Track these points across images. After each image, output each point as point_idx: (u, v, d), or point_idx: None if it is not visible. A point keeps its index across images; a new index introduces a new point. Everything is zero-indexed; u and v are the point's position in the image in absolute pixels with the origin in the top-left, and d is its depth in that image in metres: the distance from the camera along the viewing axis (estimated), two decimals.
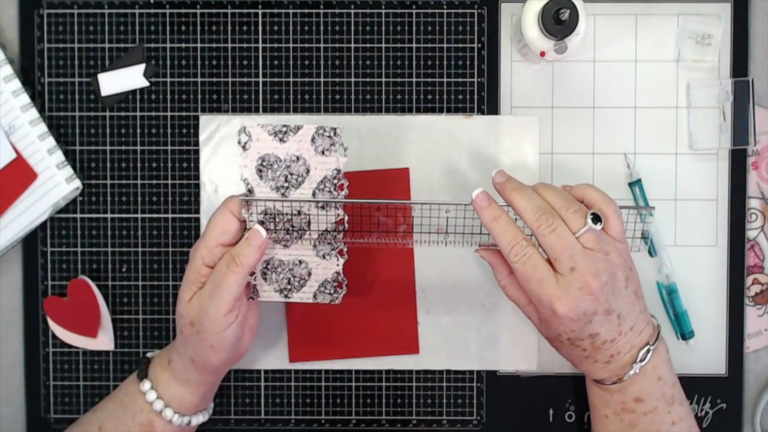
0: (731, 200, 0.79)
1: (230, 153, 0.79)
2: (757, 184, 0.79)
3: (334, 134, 0.67)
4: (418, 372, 0.80)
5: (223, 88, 0.79)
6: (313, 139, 0.67)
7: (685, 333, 0.79)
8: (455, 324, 0.79)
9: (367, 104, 0.79)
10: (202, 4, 0.79)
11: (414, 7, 0.79)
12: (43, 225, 0.79)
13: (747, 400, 0.80)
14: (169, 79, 0.79)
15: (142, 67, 0.79)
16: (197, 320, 0.66)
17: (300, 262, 0.69)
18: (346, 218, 0.69)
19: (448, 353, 0.79)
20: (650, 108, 0.79)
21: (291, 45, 0.79)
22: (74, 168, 0.79)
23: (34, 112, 0.78)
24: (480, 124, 0.78)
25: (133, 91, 0.79)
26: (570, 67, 0.79)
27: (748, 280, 0.80)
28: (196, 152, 0.79)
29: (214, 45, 0.79)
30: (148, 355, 0.74)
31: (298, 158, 0.67)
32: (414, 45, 0.79)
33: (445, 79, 0.79)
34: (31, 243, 0.79)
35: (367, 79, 0.79)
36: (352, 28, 0.79)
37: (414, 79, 0.79)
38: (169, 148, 0.79)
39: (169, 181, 0.79)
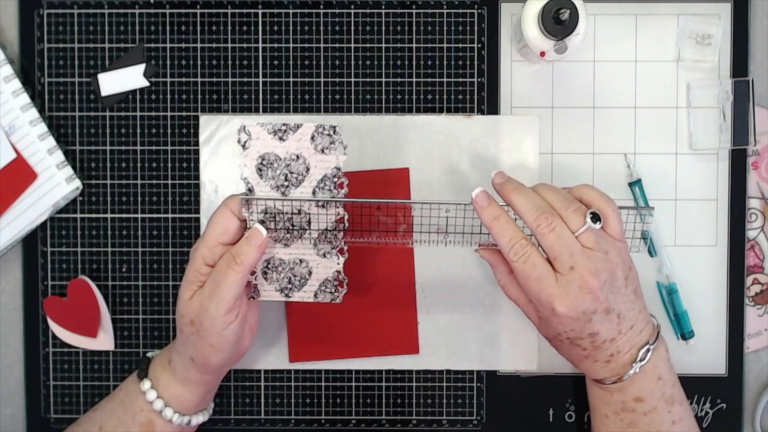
0: (731, 200, 0.79)
1: (230, 153, 0.79)
2: (757, 184, 0.79)
3: (334, 132, 0.67)
4: (418, 372, 0.80)
5: (223, 88, 0.79)
6: (312, 138, 0.67)
7: (685, 333, 0.79)
8: (455, 324, 0.79)
9: (367, 104, 0.79)
10: (202, 4, 0.79)
11: (414, 7, 0.79)
12: (43, 225, 0.79)
13: (747, 400, 0.80)
14: (169, 79, 0.79)
15: (142, 67, 0.79)
16: (197, 319, 0.66)
17: (300, 261, 0.69)
18: (347, 216, 0.69)
19: (448, 353, 0.79)
20: (650, 108, 0.79)
21: (291, 45, 0.79)
22: (74, 168, 0.79)
23: (34, 112, 0.78)
24: (480, 124, 0.78)
25: (133, 91, 0.79)
26: (570, 67, 0.79)
27: (748, 280, 0.80)
28: (196, 152, 0.79)
29: (214, 45, 0.79)
30: (149, 354, 0.74)
31: (297, 157, 0.67)
32: (414, 45, 0.79)
33: (445, 79, 0.79)
34: (31, 243, 0.79)
35: (367, 79, 0.79)
36: (352, 28, 0.79)
37: (414, 79, 0.79)
38: (169, 148, 0.79)
39: (169, 181, 0.79)
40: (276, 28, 0.79)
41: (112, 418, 0.71)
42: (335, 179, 0.68)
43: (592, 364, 0.68)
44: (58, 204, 0.78)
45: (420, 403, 0.80)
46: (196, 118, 0.79)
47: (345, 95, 0.79)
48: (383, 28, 0.79)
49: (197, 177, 0.79)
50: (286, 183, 0.68)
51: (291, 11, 0.79)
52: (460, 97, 0.79)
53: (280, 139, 0.67)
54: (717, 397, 0.79)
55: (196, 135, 0.79)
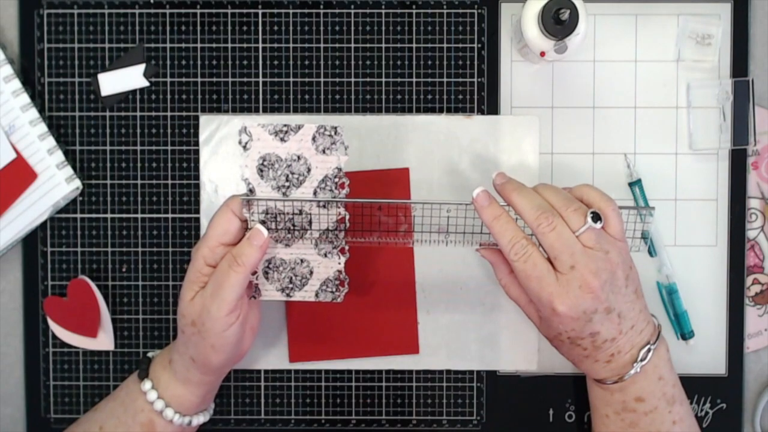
0: (731, 200, 0.79)
1: (230, 153, 0.79)
2: (757, 184, 0.79)
3: (335, 133, 0.67)
4: (418, 372, 0.80)
5: (223, 88, 0.79)
6: (314, 138, 0.67)
7: (685, 333, 0.79)
8: (455, 324, 0.79)
9: (367, 104, 0.79)
10: (202, 4, 0.79)
11: (414, 7, 0.79)
12: (43, 225, 0.79)
13: (747, 400, 0.80)
14: (169, 79, 0.79)
15: (142, 67, 0.79)
16: (199, 320, 0.66)
17: (302, 260, 0.69)
18: (348, 216, 0.69)
19: (448, 353, 0.79)
20: (650, 108, 0.79)
21: (291, 45, 0.79)
22: (74, 168, 0.79)
23: (34, 112, 0.78)
24: (480, 124, 0.78)
25: (133, 91, 0.79)
26: (570, 67, 0.79)
27: (748, 280, 0.80)
28: (196, 152, 0.79)
29: (214, 45, 0.79)
30: (149, 354, 0.74)
31: (299, 157, 0.67)
32: (414, 45, 0.79)
33: (445, 79, 0.79)
34: (31, 243, 0.79)
35: (367, 79, 0.79)
36: (352, 28, 0.79)
37: (414, 79, 0.79)
38: (169, 148, 0.79)
39: (169, 181, 0.79)
40: (276, 28, 0.79)
41: (112, 418, 0.71)
42: (336, 180, 0.68)
43: (593, 364, 0.68)
44: (58, 204, 0.78)
45: (420, 403, 0.80)
46: (196, 118, 0.79)
47: (345, 95, 0.79)
48: (383, 28, 0.79)
49: (197, 177, 0.79)
50: (287, 183, 0.68)
51: (291, 11, 0.79)
52: (460, 97, 0.79)
53: (281, 140, 0.67)
54: (717, 397, 0.79)
55: (196, 135, 0.79)
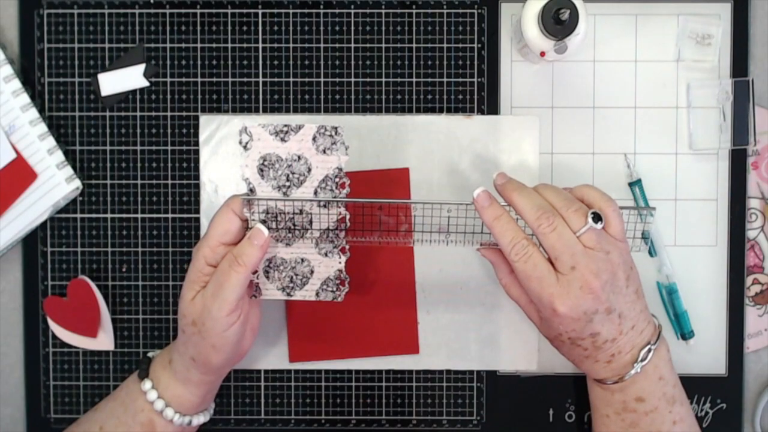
0: (731, 200, 0.79)
1: (230, 153, 0.79)
2: (757, 184, 0.79)
3: (335, 133, 0.67)
4: (418, 372, 0.80)
5: (223, 88, 0.79)
6: (314, 139, 0.67)
7: (685, 333, 0.79)
8: (455, 324, 0.79)
9: (367, 104, 0.79)
10: (202, 4, 0.79)
11: (414, 7, 0.79)
12: (43, 225, 0.79)
13: (747, 400, 0.80)
14: (169, 79, 0.79)
15: (142, 67, 0.79)
16: (199, 320, 0.66)
17: (302, 260, 0.69)
18: (348, 216, 0.69)
19: (448, 353, 0.79)
20: (650, 108, 0.79)
21: (291, 45, 0.79)
22: (74, 168, 0.79)
23: (34, 112, 0.78)
24: (480, 124, 0.78)
25: (133, 91, 0.79)
26: (570, 67, 0.79)
27: (748, 280, 0.80)
28: (196, 152, 0.79)
29: (214, 45, 0.79)
30: (149, 354, 0.74)
31: (299, 157, 0.67)
32: (414, 45, 0.79)
33: (445, 79, 0.79)
34: (31, 243, 0.79)
35: (367, 79, 0.79)
36: (352, 28, 0.79)
37: (414, 79, 0.79)
38: (169, 148, 0.79)
39: (169, 181, 0.79)
40: (276, 28, 0.79)
41: (112, 418, 0.71)
42: (337, 179, 0.68)
43: (593, 364, 0.68)
44: (58, 204, 0.78)
45: (420, 403, 0.80)
46: (196, 118, 0.79)
47: (345, 95, 0.79)
48: (383, 28, 0.79)
49: (197, 177, 0.79)
50: (287, 183, 0.68)
51: (291, 11, 0.79)
52: (460, 97, 0.79)
53: (282, 140, 0.67)
54: (717, 397, 0.79)
55: (196, 135, 0.79)
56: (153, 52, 0.79)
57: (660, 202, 0.79)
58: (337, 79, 0.79)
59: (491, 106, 0.79)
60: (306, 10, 0.79)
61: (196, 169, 0.79)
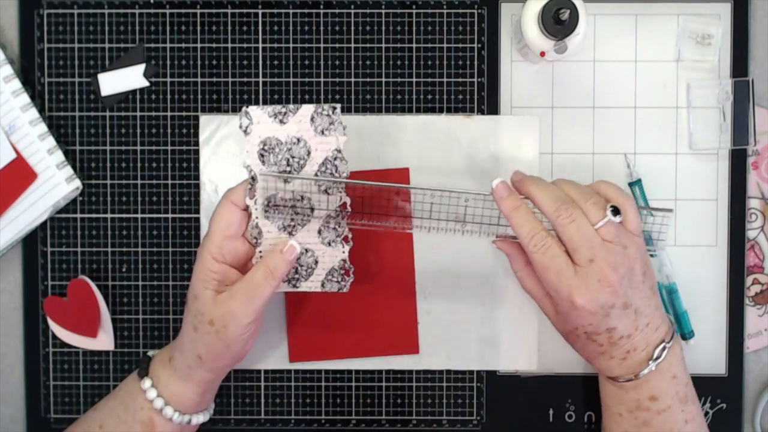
0: (731, 200, 0.79)
1: (230, 153, 0.79)
2: (757, 184, 0.79)
3: (333, 112, 0.67)
4: (418, 372, 0.80)
5: (223, 88, 0.79)
6: (312, 119, 0.68)
7: (685, 333, 0.79)
8: (455, 324, 0.79)
9: (367, 104, 0.79)
10: (202, 4, 0.79)
11: (414, 7, 0.79)
12: (43, 225, 0.79)
13: (747, 400, 0.80)
14: (169, 79, 0.79)
15: (142, 67, 0.79)
16: (220, 321, 0.66)
17: (306, 250, 0.69)
18: (349, 202, 0.69)
19: (448, 353, 0.79)
20: (650, 108, 0.79)
21: (291, 45, 0.79)
22: (74, 168, 0.79)
23: (34, 112, 0.78)
24: (480, 124, 0.78)
25: (133, 91, 0.79)
26: (570, 67, 0.79)
27: (748, 280, 0.80)
28: (196, 152, 0.79)
29: (214, 45, 0.79)
30: (149, 353, 0.74)
31: (298, 140, 0.68)
32: (414, 45, 0.79)
33: (445, 79, 0.79)
34: (31, 243, 0.79)
35: (367, 79, 0.79)
36: (352, 28, 0.79)
37: (414, 79, 0.79)
38: (169, 148, 0.79)
39: (169, 181, 0.79)
40: (276, 28, 0.79)
41: (112, 417, 0.71)
42: (336, 162, 0.68)
43: (608, 361, 0.67)
44: (58, 204, 0.78)
45: (420, 403, 0.80)
46: (196, 118, 0.79)
47: (345, 95, 0.79)
48: (383, 28, 0.79)
49: (197, 177, 0.79)
50: (288, 168, 0.68)
51: (291, 11, 0.79)
52: (460, 97, 0.79)
53: (281, 122, 0.68)
54: (717, 397, 0.79)
55: (196, 135, 0.79)
56: (153, 52, 0.79)
57: (660, 202, 0.79)
58: (337, 79, 0.79)
59: (491, 106, 0.79)
60: (306, 10, 0.79)
61: (196, 169, 0.79)
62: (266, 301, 0.67)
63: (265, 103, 0.79)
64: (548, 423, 0.80)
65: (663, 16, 0.79)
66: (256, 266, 0.67)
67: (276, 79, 0.79)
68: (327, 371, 0.80)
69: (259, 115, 0.68)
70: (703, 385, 0.79)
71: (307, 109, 0.68)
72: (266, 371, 0.80)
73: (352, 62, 0.79)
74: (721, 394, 0.79)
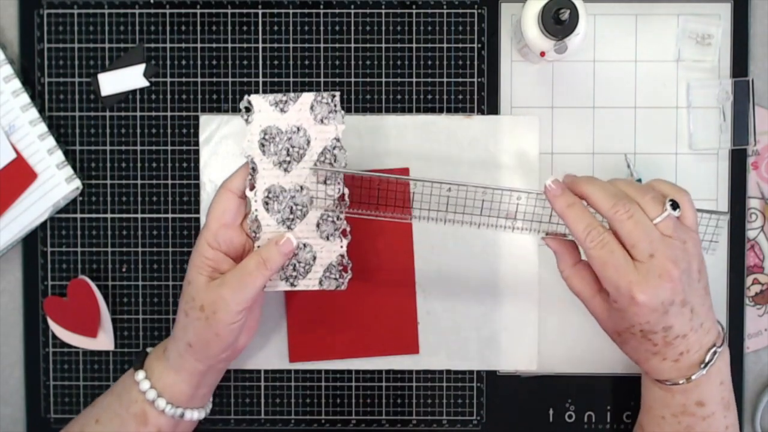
0: (731, 200, 0.79)
1: (230, 153, 0.79)
2: (757, 184, 0.79)
3: (332, 100, 0.68)
4: (418, 372, 0.80)
5: (223, 88, 0.79)
6: (312, 107, 0.68)
7: None
8: (455, 324, 0.79)
9: (367, 104, 0.79)
10: (202, 4, 0.79)
11: (414, 7, 0.79)
12: (43, 225, 0.79)
13: (747, 400, 0.80)
14: (169, 79, 0.79)
15: (142, 67, 0.79)
16: (210, 308, 0.67)
17: (305, 245, 0.69)
18: (348, 194, 0.69)
19: (448, 353, 0.79)
20: (650, 108, 0.79)
21: (291, 45, 0.79)
22: (74, 168, 0.79)
23: (34, 112, 0.78)
24: (480, 124, 0.78)
25: (133, 91, 0.79)
26: (570, 67, 0.79)
27: (748, 280, 0.80)
28: (196, 152, 0.79)
29: (214, 45, 0.79)
30: (147, 349, 0.74)
31: (298, 129, 0.68)
32: (414, 45, 0.79)
33: (445, 79, 0.79)
34: (31, 243, 0.79)
35: (367, 79, 0.79)
36: (352, 28, 0.79)
37: (414, 79, 0.79)
38: (169, 148, 0.79)
39: (169, 181, 0.79)
40: (276, 28, 0.79)
41: (108, 412, 0.71)
42: (335, 151, 0.68)
43: (661, 362, 0.66)
44: (58, 204, 0.78)
45: (420, 403, 0.80)
46: (196, 118, 0.79)
47: (345, 95, 0.79)
48: (383, 28, 0.79)
49: (197, 177, 0.79)
50: (288, 158, 0.68)
51: (291, 11, 0.79)
52: (460, 97, 0.79)
53: (281, 110, 0.68)
54: None
55: (196, 135, 0.79)
56: (153, 52, 0.79)
57: None
58: (337, 79, 0.79)
59: (491, 106, 0.79)
60: (306, 10, 0.79)
61: (196, 169, 0.79)
62: (257, 290, 0.67)
63: None
64: (548, 423, 0.80)
65: (663, 16, 0.79)
66: (250, 255, 0.68)
67: (276, 79, 0.79)
68: (327, 371, 0.80)
69: (261, 103, 0.68)
70: None
71: (308, 97, 0.68)
72: (266, 371, 0.80)
73: (352, 62, 0.79)
74: None
